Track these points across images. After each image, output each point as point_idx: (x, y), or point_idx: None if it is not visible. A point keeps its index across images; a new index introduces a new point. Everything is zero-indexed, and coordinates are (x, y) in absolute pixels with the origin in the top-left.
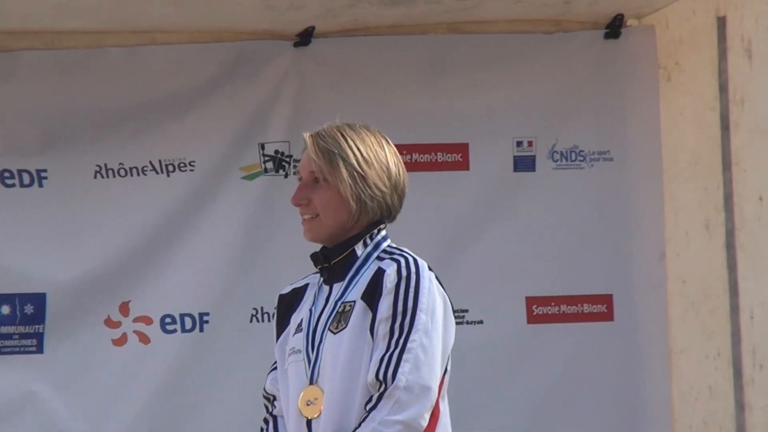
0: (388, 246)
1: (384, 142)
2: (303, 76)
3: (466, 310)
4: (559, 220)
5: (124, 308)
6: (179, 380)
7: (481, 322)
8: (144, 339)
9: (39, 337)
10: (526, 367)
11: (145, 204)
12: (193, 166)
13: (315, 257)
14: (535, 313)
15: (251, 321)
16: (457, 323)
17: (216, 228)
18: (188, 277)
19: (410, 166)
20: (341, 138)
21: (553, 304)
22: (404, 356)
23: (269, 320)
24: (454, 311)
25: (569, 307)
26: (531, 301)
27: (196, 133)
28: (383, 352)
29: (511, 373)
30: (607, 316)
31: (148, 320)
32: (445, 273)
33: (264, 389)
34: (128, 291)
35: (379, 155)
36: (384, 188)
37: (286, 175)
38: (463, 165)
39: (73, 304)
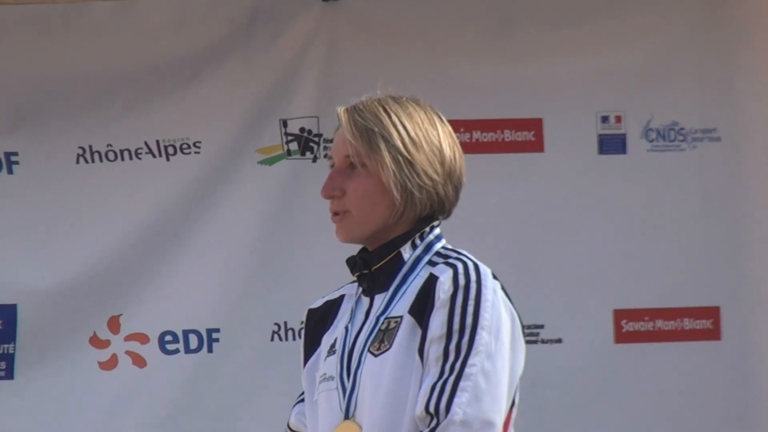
0: (443, 248)
1: (436, 119)
2: (334, 37)
3: (542, 326)
4: (653, 214)
5: (114, 324)
6: (182, 412)
7: (559, 340)
8: (139, 361)
9: (9, 359)
10: (613, 395)
11: (139, 195)
12: (198, 147)
13: (352, 262)
14: (624, 330)
15: (272, 339)
16: (530, 342)
17: (228, 224)
18: (193, 285)
19: (471, 147)
20: (383, 113)
21: (646, 318)
22: (461, 384)
23: (295, 338)
24: (526, 328)
25: (666, 322)
26: (620, 315)
27: (203, 108)
28: (435, 379)
29: (595, 401)
30: (713, 333)
31: (143, 338)
32: (514, 281)
33: (288, 425)
34: (119, 302)
35: (430, 135)
36: (435, 176)
37: (314, 159)
38: (537, 146)
39: (51, 319)
